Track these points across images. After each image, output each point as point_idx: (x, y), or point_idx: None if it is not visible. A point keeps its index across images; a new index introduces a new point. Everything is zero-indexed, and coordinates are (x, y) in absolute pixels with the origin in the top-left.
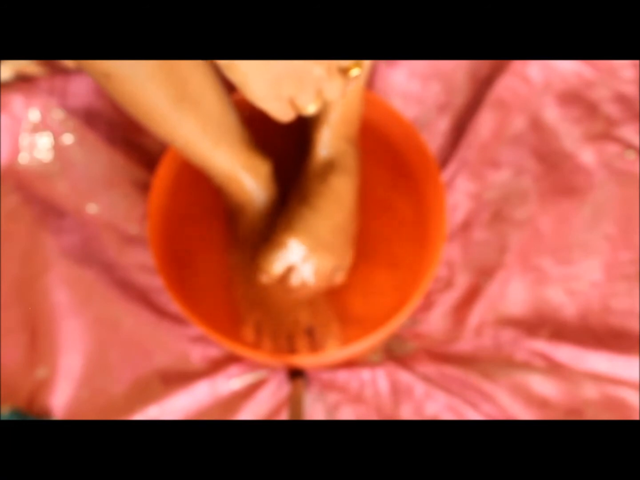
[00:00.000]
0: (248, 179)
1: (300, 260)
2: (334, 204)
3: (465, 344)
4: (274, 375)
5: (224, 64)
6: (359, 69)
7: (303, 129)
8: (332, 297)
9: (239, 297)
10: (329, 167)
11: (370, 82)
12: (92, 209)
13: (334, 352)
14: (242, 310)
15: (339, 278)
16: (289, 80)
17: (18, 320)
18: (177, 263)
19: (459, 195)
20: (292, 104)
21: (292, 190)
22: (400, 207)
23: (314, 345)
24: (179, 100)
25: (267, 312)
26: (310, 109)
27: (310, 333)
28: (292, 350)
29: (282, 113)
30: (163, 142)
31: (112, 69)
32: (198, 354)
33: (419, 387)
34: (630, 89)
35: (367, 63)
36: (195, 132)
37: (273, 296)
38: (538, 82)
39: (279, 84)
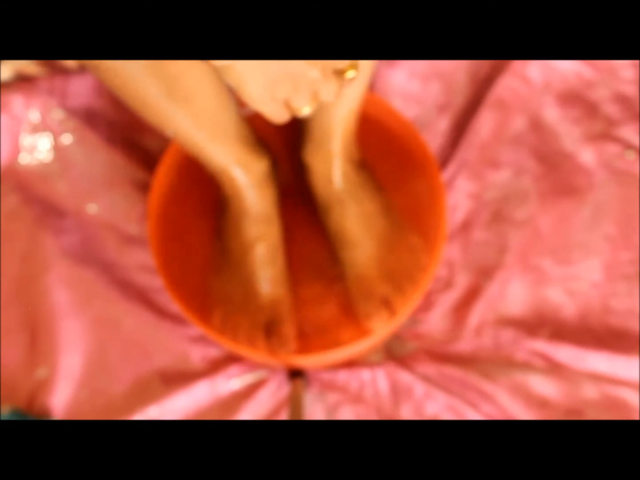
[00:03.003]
0: (239, 173)
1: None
2: (367, 231)
3: (465, 344)
4: (274, 375)
5: (219, 65)
6: (354, 71)
7: (306, 164)
8: (333, 296)
9: (211, 283)
10: (347, 193)
11: (370, 82)
12: (92, 209)
13: (334, 352)
14: (212, 297)
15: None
16: (284, 82)
17: (18, 320)
18: (177, 263)
19: (459, 195)
20: (288, 105)
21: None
22: (401, 207)
23: (272, 343)
24: (169, 95)
25: (235, 304)
26: (305, 110)
27: (269, 332)
28: (250, 344)
29: (277, 115)
30: (159, 131)
31: (101, 61)
32: (198, 354)
33: (419, 387)
34: (630, 89)
35: (367, 70)
36: (188, 126)
37: (242, 291)
38: (538, 82)
39: (274, 86)
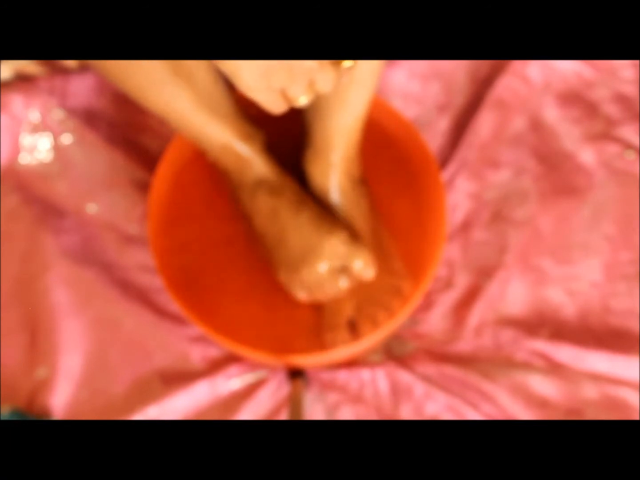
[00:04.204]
0: (243, 146)
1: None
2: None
3: (465, 344)
4: (273, 375)
5: None
6: (351, 60)
7: (305, 171)
8: None
9: (274, 266)
10: (341, 209)
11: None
12: (92, 209)
13: (334, 351)
14: (283, 277)
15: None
16: (280, 72)
17: (18, 320)
18: (177, 263)
19: (459, 195)
20: (284, 95)
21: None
22: (400, 207)
23: (357, 273)
24: (174, 74)
25: (305, 263)
26: (301, 100)
27: (346, 266)
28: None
29: (273, 104)
30: (158, 117)
31: None
32: (198, 354)
33: (419, 387)
34: (630, 89)
35: (371, 75)
36: (190, 105)
37: (302, 248)
38: (538, 82)
39: (270, 75)
